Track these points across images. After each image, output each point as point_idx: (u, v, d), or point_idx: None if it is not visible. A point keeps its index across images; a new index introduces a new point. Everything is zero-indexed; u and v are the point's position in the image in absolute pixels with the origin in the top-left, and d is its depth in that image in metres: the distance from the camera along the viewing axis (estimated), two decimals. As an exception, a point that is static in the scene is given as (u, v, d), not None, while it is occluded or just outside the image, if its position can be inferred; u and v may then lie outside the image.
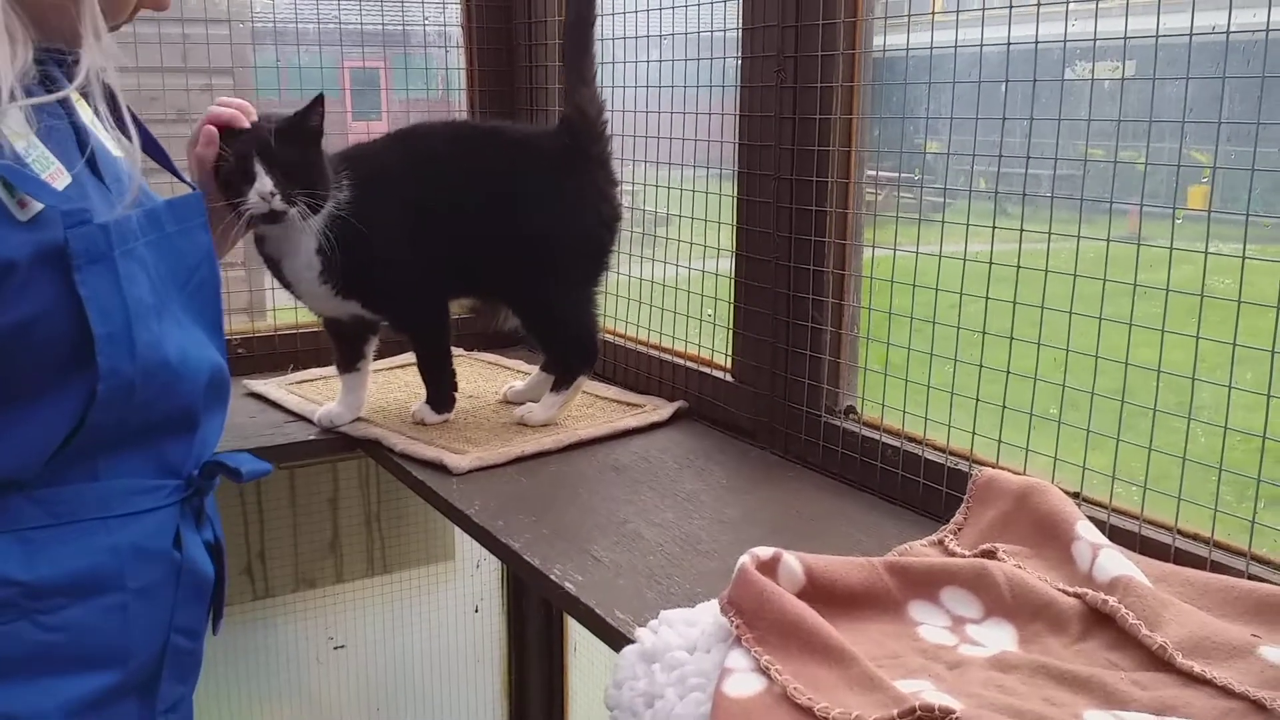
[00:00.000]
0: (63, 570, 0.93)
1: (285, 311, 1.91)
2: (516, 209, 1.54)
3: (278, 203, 1.37)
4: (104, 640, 0.96)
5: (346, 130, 2.10)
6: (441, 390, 1.63)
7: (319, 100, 1.40)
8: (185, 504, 1.04)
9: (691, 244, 1.66)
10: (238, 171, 1.35)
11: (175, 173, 1.16)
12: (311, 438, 1.57)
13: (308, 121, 1.40)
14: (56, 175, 0.89)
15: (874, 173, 1.42)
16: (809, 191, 1.41)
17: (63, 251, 0.87)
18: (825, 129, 1.38)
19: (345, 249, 1.46)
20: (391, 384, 1.80)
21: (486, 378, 1.85)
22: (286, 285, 1.54)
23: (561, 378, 1.62)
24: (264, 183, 1.35)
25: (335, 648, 2.10)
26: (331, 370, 1.71)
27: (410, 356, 1.94)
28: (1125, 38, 1.07)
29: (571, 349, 1.62)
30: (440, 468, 1.44)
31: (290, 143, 1.38)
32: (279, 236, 1.47)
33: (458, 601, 2.24)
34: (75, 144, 0.95)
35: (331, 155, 1.49)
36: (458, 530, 2.18)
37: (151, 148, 1.10)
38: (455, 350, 1.99)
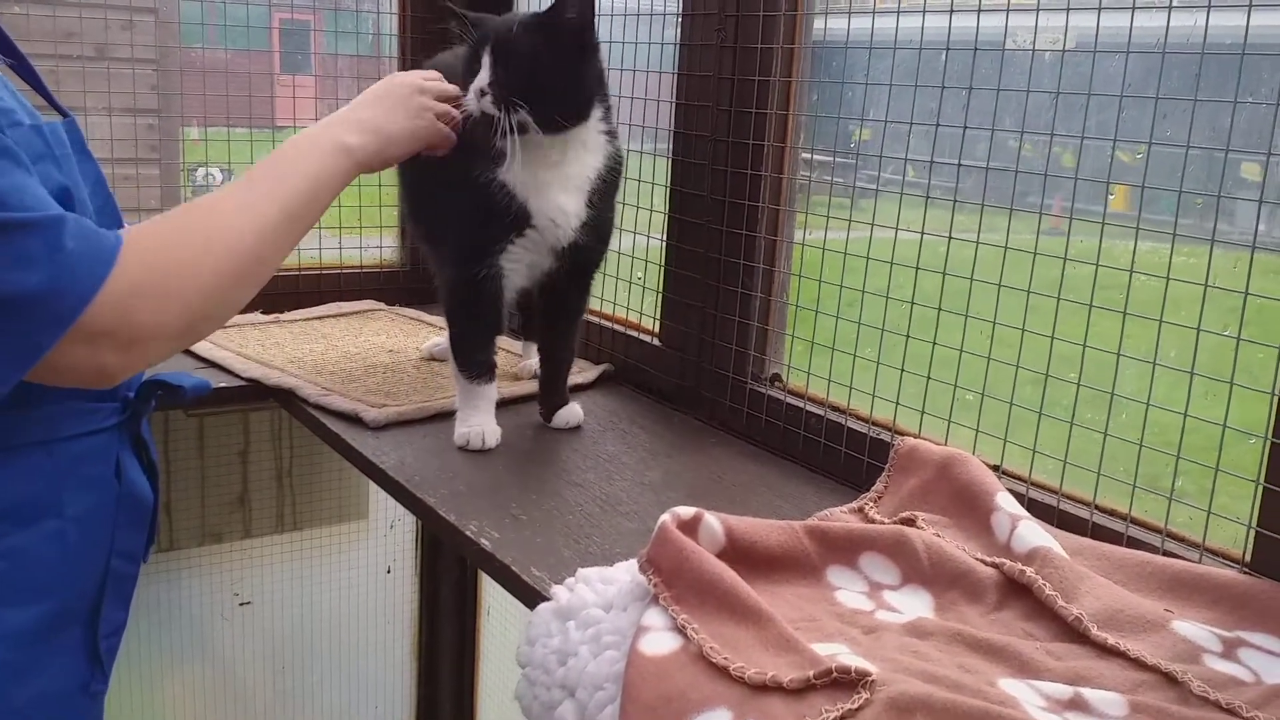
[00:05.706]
0: (7, 497, 0.93)
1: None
2: None
3: (487, 104, 1.20)
4: (44, 568, 0.96)
5: (274, 81, 2.02)
6: None
7: None
8: (122, 427, 1.04)
9: (624, 205, 1.62)
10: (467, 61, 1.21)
11: (49, 97, 1.09)
12: (222, 385, 1.51)
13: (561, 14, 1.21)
14: None
15: (809, 156, 1.40)
16: (745, 155, 1.39)
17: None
18: (764, 91, 1.36)
19: None
20: (308, 334, 1.75)
21: (408, 333, 1.80)
22: None
23: None
24: (482, 76, 1.19)
25: (241, 604, 2.05)
26: (243, 318, 1.65)
27: (331, 308, 1.91)
28: (1067, 9, 1.06)
29: None
30: (356, 420, 1.40)
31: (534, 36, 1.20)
32: None
33: (369, 562, 2.20)
34: None
35: None
36: (372, 490, 2.15)
37: (23, 69, 1.05)
38: (376, 304, 1.95)
